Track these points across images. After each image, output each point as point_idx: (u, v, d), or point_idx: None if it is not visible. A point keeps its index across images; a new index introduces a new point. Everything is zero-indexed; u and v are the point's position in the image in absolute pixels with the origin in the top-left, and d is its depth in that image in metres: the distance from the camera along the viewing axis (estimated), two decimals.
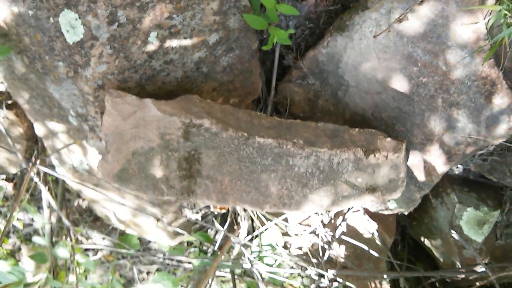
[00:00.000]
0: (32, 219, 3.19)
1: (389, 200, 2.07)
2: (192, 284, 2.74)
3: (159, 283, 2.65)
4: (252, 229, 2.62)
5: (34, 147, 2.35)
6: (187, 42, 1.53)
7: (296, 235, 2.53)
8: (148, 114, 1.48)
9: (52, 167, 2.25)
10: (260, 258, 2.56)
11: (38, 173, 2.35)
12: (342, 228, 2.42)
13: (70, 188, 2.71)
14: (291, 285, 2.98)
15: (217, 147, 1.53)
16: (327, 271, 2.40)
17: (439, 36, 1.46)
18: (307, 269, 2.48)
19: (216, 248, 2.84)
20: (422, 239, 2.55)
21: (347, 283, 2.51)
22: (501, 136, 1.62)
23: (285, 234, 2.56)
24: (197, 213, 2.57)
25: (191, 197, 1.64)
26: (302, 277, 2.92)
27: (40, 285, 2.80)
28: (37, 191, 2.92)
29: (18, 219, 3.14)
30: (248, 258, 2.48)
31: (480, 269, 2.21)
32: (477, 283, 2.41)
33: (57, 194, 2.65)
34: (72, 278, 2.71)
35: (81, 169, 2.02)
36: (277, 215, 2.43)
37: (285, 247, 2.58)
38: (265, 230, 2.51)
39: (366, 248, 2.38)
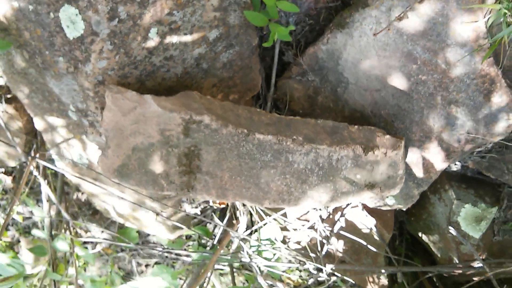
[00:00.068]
0: (31, 212, 3.20)
1: (387, 197, 2.08)
2: (191, 278, 2.76)
3: (158, 276, 2.66)
4: (251, 223, 2.63)
5: (34, 141, 2.36)
6: (187, 38, 1.53)
7: (294, 229, 2.54)
8: (148, 110, 1.48)
9: (51, 160, 2.25)
10: (259, 252, 2.57)
11: (37, 167, 2.35)
12: (341, 223, 2.43)
13: (69, 182, 2.72)
14: (289, 278, 3.00)
15: (217, 144, 1.53)
16: (325, 266, 2.41)
17: (438, 34, 1.47)
18: (305, 264, 2.49)
19: (215, 242, 2.85)
20: (420, 234, 2.56)
21: (345, 278, 2.52)
22: (500, 134, 1.63)
23: (284, 228, 2.57)
24: (196, 207, 2.58)
25: (191, 192, 1.64)
26: (300, 271, 2.93)
27: (39, 278, 2.82)
28: (36, 184, 2.93)
29: (17, 212, 3.14)
30: (247, 252, 2.49)
31: (477, 264, 2.23)
32: (474, 279, 2.43)
33: (56, 187, 2.65)
34: (71, 270, 2.72)
35: (81, 163, 2.03)
36: (276, 210, 2.44)
37: (283, 241, 2.59)
38: (264, 224, 2.52)
39: (364, 243, 2.40)
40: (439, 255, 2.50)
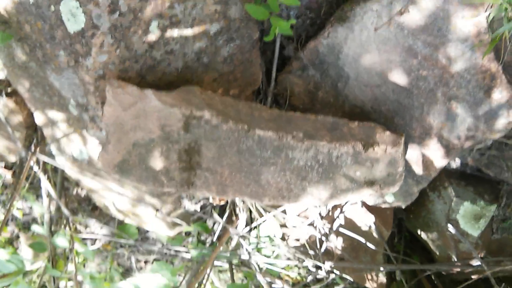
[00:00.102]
0: (31, 207, 3.19)
1: (387, 194, 2.08)
2: (190, 274, 2.76)
3: (157, 273, 2.66)
4: (250, 220, 2.63)
5: (34, 135, 2.35)
6: (188, 32, 1.53)
7: (294, 227, 2.54)
8: (148, 105, 1.48)
9: (51, 155, 2.25)
10: (258, 249, 2.57)
11: (37, 162, 2.35)
12: (340, 220, 2.43)
13: (68, 177, 2.72)
14: (288, 275, 3.00)
15: (217, 139, 1.53)
16: (324, 263, 2.42)
17: (439, 29, 1.47)
18: (304, 261, 2.49)
19: (214, 239, 2.85)
20: (418, 232, 2.56)
21: (344, 275, 2.52)
22: (500, 131, 1.62)
23: (283, 225, 2.57)
24: (196, 204, 2.58)
25: (191, 189, 1.64)
26: (299, 268, 2.93)
27: (39, 274, 2.81)
28: (36, 179, 2.92)
29: (17, 208, 3.14)
30: (246, 249, 2.49)
31: (475, 263, 2.23)
32: (473, 277, 2.43)
33: (56, 182, 2.65)
34: (70, 267, 2.72)
35: (81, 159, 2.03)
36: (276, 207, 2.44)
37: (283, 238, 2.59)
38: (264, 221, 2.52)
39: (363, 240, 2.40)
40: (437, 253, 2.50)
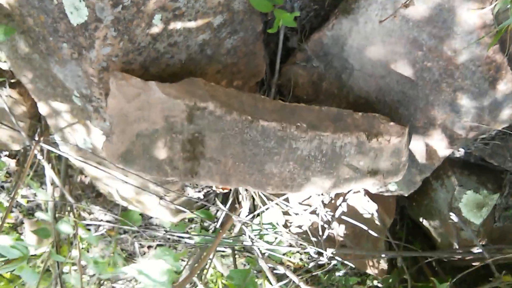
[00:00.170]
0: (35, 194, 3.21)
1: (390, 183, 2.09)
2: (193, 260, 2.78)
3: (160, 258, 2.68)
4: (253, 207, 2.64)
5: (38, 125, 2.36)
6: (192, 24, 1.52)
7: (296, 214, 2.56)
8: (152, 96, 1.48)
9: (55, 144, 2.26)
10: (261, 236, 2.59)
11: (41, 151, 2.36)
12: (342, 208, 2.45)
13: (72, 165, 2.73)
14: (289, 261, 3.03)
15: (221, 130, 1.54)
16: (326, 250, 2.44)
17: (444, 21, 1.46)
18: (306, 248, 2.51)
19: (217, 226, 2.88)
20: (421, 219, 2.58)
21: (345, 262, 2.55)
22: (504, 122, 1.63)
23: (286, 213, 2.59)
24: (199, 191, 2.59)
25: (195, 178, 1.65)
26: (301, 254, 2.96)
27: (43, 259, 2.84)
28: (40, 167, 2.93)
29: (22, 195, 3.16)
30: (249, 236, 2.51)
31: (477, 250, 2.25)
32: (474, 264, 2.45)
33: (60, 170, 2.66)
34: (74, 252, 2.75)
35: (85, 148, 2.03)
36: (278, 195, 2.45)
37: (285, 225, 2.61)
38: (266, 209, 2.53)
39: (365, 228, 2.41)
40: (439, 240, 2.52)
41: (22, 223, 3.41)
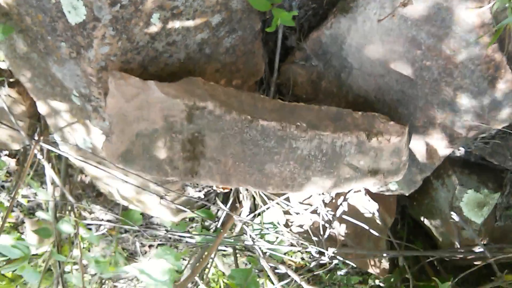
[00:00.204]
0: (35, 194, 3.21)
1: (390, 182, 2.09)
2: (195, 260, 2.78)
3: (161, 258, 2.68)
4: (254, 207, 2.64)
5: (37, 124, 2.36)
6: (190, 23, 1.52)
7: (297, 213, 2.55)
8: (151, 96, 1.48)
9: (55, 143, 2.26)
10: (262, 236, 2.59)
11: (41, 150, 2.36)
12: (343, 207, 2.44)
13: (72, 164, 2.73)
14: (291, 260, 3.03)
15: (221, 130, 1.53)
16: (327, 249, 2.43)
17: (443, 20, 1.45)
18: (307, 247, 2.51)
19: (218, 225, 2.87)
20: (422, 219, 2.57)
21: (347, 261, 2.54)
22: (504, 121, 1.62)
23: (287, 212, 2.59)
24: (199, 191, 2.59)
25: (195, 178, 1.65)
26: (302, 253, 2.96)
27: (44, 259, 2.85)
28: (40, 166, 2.93)
29: (22, 195, 3.16)
30: (250, 236, 2.51)
31: (478, 249, 2.24)
32: (475, 263, 2.44)
33: (60, 170, 2.66)
34: (76, 251, 2.75)
35: (85, 147, 2.03)
36: (279, 194, 2.45)
37: (286, 225, 2.60)
38: (267, 208, 2.53)
39: (366, 227, 2.41)
40: (440, 240, 2.51)
41: (23, 222, 3.41)
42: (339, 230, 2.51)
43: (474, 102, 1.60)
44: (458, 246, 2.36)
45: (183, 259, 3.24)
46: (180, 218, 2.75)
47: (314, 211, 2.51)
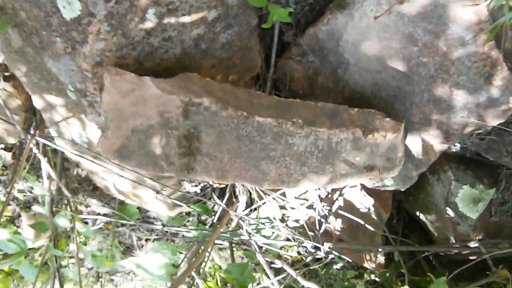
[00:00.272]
0: (32, 187, 3.21)
1: (386, 178, 2.09)
2: (191, 254, 2.79)
3: (158, 252, 2.69)
4: (250, 202, 2.64)
5: (33, 118, 2.35)
6: (186, 19, 1.51)
7: (293, 208, 2.56)
8: (147, 92, 1.47)
9: (51, 137, 2.25)
10: (258, 230, 2.59)
11: (37, 144, 2.35)
12: (339, 202, 2.45)
13: (69, 158, 2.72)
14: (287, 254, 3.03)
15: (217, 126, 1.53)
16: (323, 244, 2.44)
17: (440, 17, 1.44)
18: (303, 242, 2.52)
19: (215, 220, 2.88)
20: (417, 214, 2.58)
21: (343, 256, 2.55)
22: (500, 117, 1.62)
23: (283, 207, 2.59)
24: (196, 186, 2.59)
25: (191, 174, 1.65)
26: (299, 247, 2.96)
27: (41, 253, 2.85)
28: (36, 160, 2.93)
29: (18, 190, 3.15)
30: (246, 230, 2.51)
31: (473, 245, 2.25)
32: (471, 258, 2.45)
33: (56, 163, 2.66)
34: (72, 246, 2.75)
35: (80, 142, 2.03)
36: (275, 189, 2.45)
37: (282, 220, 2.61)
38: (263, 204, 2.53)
39: (362, 222, 2.41)
40: (436, 234, 2.52)
41: (19, 216, 3.41)
42: (335, 225, 2.52)
43: (470, 98, 1.60)
44: (454, 241, 2.37)
45: (180, 253, 3.25)
46: (176, 213, 2.75)
47: (310, 206, 2.52)
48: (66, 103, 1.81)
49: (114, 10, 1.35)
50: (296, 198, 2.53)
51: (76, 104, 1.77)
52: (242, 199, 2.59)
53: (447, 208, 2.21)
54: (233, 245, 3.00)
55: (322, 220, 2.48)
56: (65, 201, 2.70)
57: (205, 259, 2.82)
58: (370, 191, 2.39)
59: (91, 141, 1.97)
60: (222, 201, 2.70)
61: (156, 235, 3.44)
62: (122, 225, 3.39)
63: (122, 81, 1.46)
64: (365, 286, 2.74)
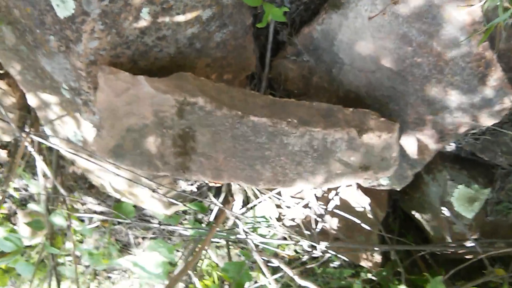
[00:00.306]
0: (27, 185, 3.20)
1: (381, 178, 2.09)
2: (188, 253, 2.79)
3: (155, 250, 2.69)
4: (246, 200, 2.64)
5: (27, 116, 2.35)
6: (180, 18, 1.50)
7: (289, 207, 2.56)
8: (141, 91, 1.47)
9: (45, 135, 2.25)
10: (254, 229, 2.59)
11: (32, 142, 2.35)
12: (335, 201, 2.45)
13: (64, 156, 2.72)
14: (283, 253, 3.03)
15: (212, 125, 1.53)
16: (319, 243, 2.44)
17: (434, 17, 1.44)
18: (299, 241, 2.52)
19: (211, 219, 2.87)
20: (413, 213, 2.58)
21: (339, 255, 2.55)
22: (494, 118, 1.62)
23: (279, 206, 2.59)
24: (192, 184, 2.58)
25: (186, 173, 1.65)
26: (295, 245, 2.96)
27: (38, 251, 2.84)
28: (32, 158, 2.92)
29: (14, 188, 3.15)
30: (243, 229, 2.51)
31: (469, 244, 2.25)
32: (466, 257, 2.46)
33: (52, 161, 2.66)
34: (68, 244, 2.75)
35: (75, 140, 2.02)
36: (271, 189, 2.45)
37: (278, 219, 2.61)
38: (259, 203, 2.53)
39: (358, 221, 2.41)
40: (432, 233, 2.52)
41: (15, 213, 3.40)
42: (331, 224, 2.52)
43: (464, 99, 1.60)
44: (449, 241, 2.37)
45: (177, 251, 3.24)
46: (172, 211, 2.75)
47: (306, 205, 2.52)
48: (60, 102, 1.81)
49: (108, 9, 1.35)
50: (292, 197, 2.53)
51: (70, 103, 1.77)
52: (238, 198, 2.59)
53: (443, 208, 2.22)
54: (230, 243, 3.00)
55: (318, 219, 2.48)
56: (61, 199, 2.70)
57: (202, 258, 2.82)
58: (366, 190, 2.39)
59: (86, 140, 1.97)
60: (218, 200, 2.70)
61: (153, 233, 3.44)
62: (119, 223, 3.39)
63: (116, 80, 1.45)
64: (362, 285, 2.74)
